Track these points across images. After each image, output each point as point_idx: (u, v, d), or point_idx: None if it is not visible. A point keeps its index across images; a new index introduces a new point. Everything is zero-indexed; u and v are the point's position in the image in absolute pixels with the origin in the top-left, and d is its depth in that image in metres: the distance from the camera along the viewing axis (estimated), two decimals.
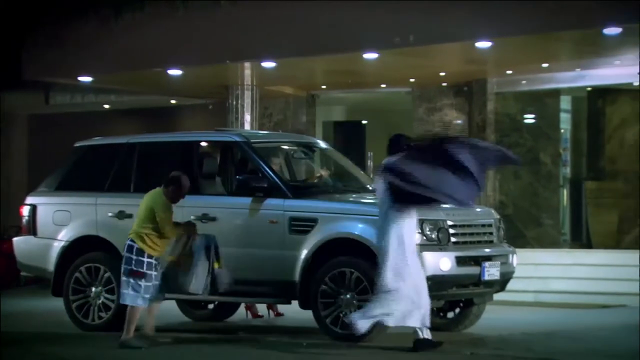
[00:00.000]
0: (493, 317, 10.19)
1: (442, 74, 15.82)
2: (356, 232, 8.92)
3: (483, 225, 9.40)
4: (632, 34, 12.40)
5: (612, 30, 12.06)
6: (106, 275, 9.92)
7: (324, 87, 17.83)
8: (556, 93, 16.97)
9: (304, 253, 9.09)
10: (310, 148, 10.85)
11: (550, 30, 12.29)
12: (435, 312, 9.77)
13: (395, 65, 14.82)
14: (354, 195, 9.75)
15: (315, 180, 10.22)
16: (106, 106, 20.60)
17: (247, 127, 16.21)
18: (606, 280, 13.02)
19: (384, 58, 13.94)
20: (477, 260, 9.02)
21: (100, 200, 10.20)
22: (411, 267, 8.26)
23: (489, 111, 16.18)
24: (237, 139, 9.86)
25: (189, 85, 16.92)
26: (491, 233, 9.42)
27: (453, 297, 9.32)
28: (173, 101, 19.89)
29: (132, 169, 10.19)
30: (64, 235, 10.28)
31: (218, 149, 10.08)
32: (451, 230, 8.97)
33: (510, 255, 9.54)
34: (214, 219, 9.42)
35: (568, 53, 14.30)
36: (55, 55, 15.36)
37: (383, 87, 17.57)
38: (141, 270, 8.55)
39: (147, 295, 8.58)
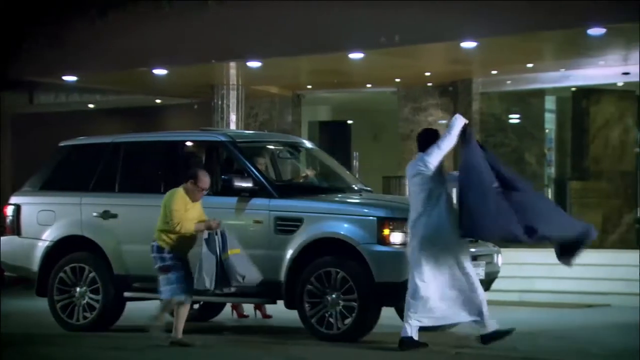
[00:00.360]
0: None
1: (428, 74, 15.86)
2: (342, 232, 8.92)
3: None
4: (616, 35, 12.47)
5: (596, 31, 12.11)
6: (91, 275, 9.89)
7: (309, 87, 17.84)
8: (541, 93, 17.05)
9: (289, 253, 9.08)
10: (295, 148, 10.84)
11: (535, 31, 12.34)
12: None
13: (381, 65, 14.84)
14: (339, 195, 9.75)
15: (301, 180, 10.21)
16: (91, 106, 20.55)
17: (232, 126, 16.19)
18: (590, 280, 13.07)
19: (370, 58, 13.96)
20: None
21: (84, 200, 10.16)
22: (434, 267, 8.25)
23: (474, 111, 16.23)
24: (223, 138, 9.85)
25: (175, 85, 16.90)
26: None
27: None
28: (158, 101, 19.86)
29: (117, 168, 10.15)
30: (49, 235, 10.23)
31: (203, 149, 10.05)
32: None
33: (495, 255, 9.57)
34: None
35: (553, 53, 14.37)
36: (40, 55, 15.30)
37: (368, 87, 17.60)
38: (166, 264, 8.51)
39: (183, 285, 8.48)
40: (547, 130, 17.54)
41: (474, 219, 8.09)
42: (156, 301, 8.87)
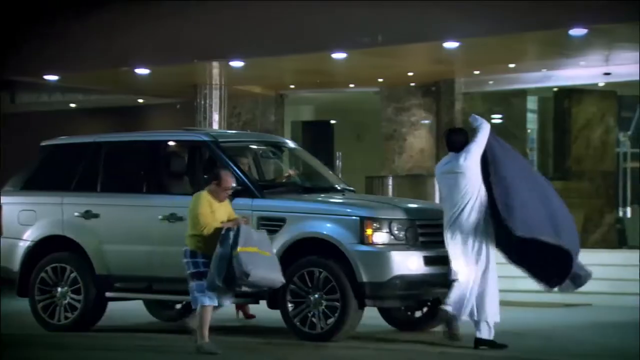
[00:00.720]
0: None
1: (410, 74, 15.89)
2: (324, 232, 8.91)
3: None
4: (597, 35, 12.52)
5: (578, 32, 12.17)
6: (72, 275, 9.84)
7: (292, 86, 17.83)
8: (523, 93, 17.11)
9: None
10: (278, 148, 10.83)
11: (517, 31, 12.38)
12: (403, 311, 9.84)
13: (364, 65, 14.85)
14: (322, 195, 9.75)
15: (284, 180, 10.20)
16: (73, 105, 20.47)
17: (215, 126, 16.16)
18: None
19: (353, 58, 13.97)
20: (446, 260, 9.04)
21: (66, 199, 10.11)
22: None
23: (456, 111, 16.28)
24: (205, 138, 9.82)
25: (157, 85, 16.85)
26: None
27: (421, 297, 9.33)
28: (140, 100, 19.80)
29: (99, 168, 10.11)
30: (30, 235, 10.18)
31: (186, 149, 10.03)
32: (419, 230, 8.99)
33: None
34: (181, 219, 9.37)
35: (535, 54, 14.42)
36: (21, 54, 15.22)
37: (351, 87, 17.61)
38: (199, 270, 8.36)
39: (213, 291, 8.32)
40: (529, 131, 17.60)
41: (528, 218, 8.39)
42: (138, 301, 8.81)
